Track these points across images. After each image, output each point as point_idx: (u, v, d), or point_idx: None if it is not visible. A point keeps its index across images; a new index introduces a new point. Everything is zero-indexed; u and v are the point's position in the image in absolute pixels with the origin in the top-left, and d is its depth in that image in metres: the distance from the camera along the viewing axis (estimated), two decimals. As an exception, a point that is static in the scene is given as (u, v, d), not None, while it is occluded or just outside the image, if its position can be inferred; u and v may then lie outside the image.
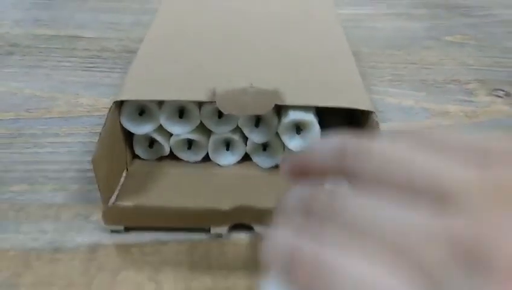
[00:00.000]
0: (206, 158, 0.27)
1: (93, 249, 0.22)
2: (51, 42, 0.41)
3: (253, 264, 0.22)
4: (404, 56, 0.40)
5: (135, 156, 0.27)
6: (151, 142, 0.27)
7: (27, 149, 0.28)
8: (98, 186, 0.22)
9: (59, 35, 0.42)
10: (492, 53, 0.42)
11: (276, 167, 0.27)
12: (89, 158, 0.28)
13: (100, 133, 0.23)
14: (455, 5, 0.50)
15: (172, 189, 0.25)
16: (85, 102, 0.33)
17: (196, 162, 0.27)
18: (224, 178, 0.26)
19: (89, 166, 0.28)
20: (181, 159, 0.27)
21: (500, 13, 0.49)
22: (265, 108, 0.23)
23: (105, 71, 0.37)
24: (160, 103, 0.25)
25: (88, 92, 0.34)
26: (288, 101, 0.23)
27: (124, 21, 0.45)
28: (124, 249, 0.22)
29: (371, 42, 0.42)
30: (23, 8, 0.46)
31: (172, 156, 0.27)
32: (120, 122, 0.25)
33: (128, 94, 0.24)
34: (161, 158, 0.27)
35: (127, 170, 0.26)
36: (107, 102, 0.33)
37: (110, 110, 0.24)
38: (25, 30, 0.43)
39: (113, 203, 0.23)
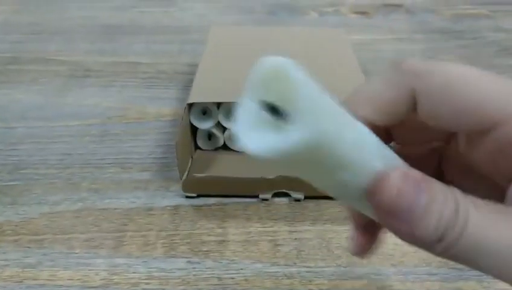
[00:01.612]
0: (251, 148, 0.35)
1: (176, 208, 0.31)
2: (117, 67, 0.51)
3: (290, 218, 0.30)
4: (404, 72, 0.49)
5: (197, 148, 0.36)
6: (210, 136, 0.36)
7: (114, 144, 0.38)
8: (177, 162, 0.31)
9: (122, 61, 0.52)
10: (480, 68, 0.50)
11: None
12: (162, 149, 0.37)
13: (178, 125, 0.32)
14: (449, 30, 0.59)
15: (228, 167, 0.33)
16: (151, 111, 0.42)
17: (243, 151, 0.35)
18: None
19: (163, 154, 0.37)
20: (232, 149, 0.36)
21: (489, 35, 0.58)
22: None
23: (163, 88, 0.46)
24: (219, 105, 0.34)
25: (152, 104, 0.44)
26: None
27: (172, 50, 0.55)
28: (197, 208, 0.31)
29: (376, 61, 0.51)
30: (90, 41, 0.57)
31: (225, 147, 0.36)
32: (189, 119, 0.34)
33: (195, 98, 0.33)
34: (216, 149, 0.36)
35: (192, 158, 0.35)
36: (169, 111, 0.42)
37: (184, 111, 0.33)
38: (94, 58, 0.53)
39: (187, 177, 0.32)
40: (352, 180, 0.13)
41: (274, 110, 0.12)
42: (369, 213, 0.15)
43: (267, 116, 0.12)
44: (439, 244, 0.12)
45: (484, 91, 0.13)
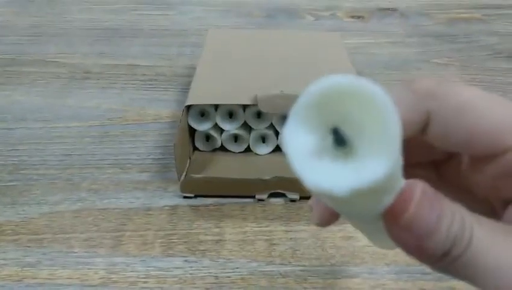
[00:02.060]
0: (247, 149, 0.36)
1: (174, 208, 0.32)
2: (116, 69, 0.51)
3: (285, 218, 0.31)
4: (399, 75, 0.49)
5: (195, 149, 0.36)
6: (208, 137, 0.36)
7: (114, 145, 0.38)
8: (176, 163, 0.32)
9: (121, 64, 0.53)
10: (473, 71, 0.51)
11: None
12: (161, 151, 0.38)
13: (177, 127, 0.32)
14: (442, 34, 0.60)
15: (226, 168, 0.34)
16: (151, 112, 0.43)
17: (240, 152, 0.36)
18: (262, 162, 0.35)
19: (162, 155, 0.37)
20: (229, 150, 0.36)
21: (482, 39, 0.59)
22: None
23: (162, 90, 0.47)
24: (216, 107, 0.35)
25: (152, 105, 0.44)
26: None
27: (171, 52, 0.56)
28: (194, 208, 0.32)
29: (371, 65, 0.51)
30: (88, 44, 0.58)
31: (222, 148, 0.36)
32: (187, 121, 0.35)
33: (194, 100, 0.34)
34: (214, 150, 0.36)
35: (190, 158, 0.36)
36: (167, 113, 0.43)
37: (182, 113, 0.33)
38: (94, 61, 0.54)
39: (185, 177, 0.32)
40: (386, 202, 0.12)
41: (338, 137, 0.11)
42: (372, 228, 0.15)
43: (326, 142, 0.11)
44: (444, 260, 0.13)
45: (497, 116, 0.13)
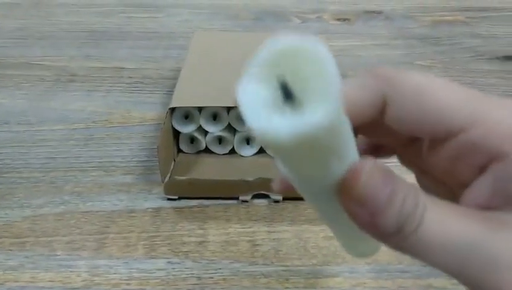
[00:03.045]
0: (232, 151, 0.36)
1: (157, 210, 0.32)
2: (102, 72, 0.51)
3: (268, 219, 0.31)
4: (383, 77, 0.50)
5: (179, 151, 0.37)
6: (192, 140, 0.36)
7: (98, 148, 0.38)
8: (159, 165, 0.32)
9: (107, 67, 0.53)
10: (455, 73, 0.52)
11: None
12: (145, 153, 0.38)
13: (161, 129, 0.32)
14: (427, 36, 0.61)
15: (210, 170, 0.34)
16: (136, 115, 0.43)
17: (224, 154, 0.36)
18: (246, 163, 0.35)
19: (146, 158, 0.37)
20: (213, 152, 0.36)
21: (465, 42, 0.59)
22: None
23: (148, 93, 0.47)
24: (200, 109, 0.35)
25: (137, 108, 0.44)
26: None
27: (157, 55, 0.56)
28: (178, 210, 0.32)
29: (357, 67, 0.52)
30: (75, 47, 0.57)
31: (206, 150, 0.36)
32: (171, 123, 0.35)
33: (178, 103, 0.34)
34: (199, 152, 0.37)
35: (174, 161, 0.36)
36: (153, 115, 0.43)
37: (166, 116, 0.34)
38: (80, 63, 0.53)
39: (169, 179, 0.33)
40: (336, 170, 0.13)
41: (285, 91, 0.11)
42: (329, 206, 0.15)
43: (276, 96, 0.12)
44: (396, 236, 0.13)
45: (450, 99, 0.14)
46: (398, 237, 0.13)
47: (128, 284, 0.27)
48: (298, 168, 0.14)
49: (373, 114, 0.15)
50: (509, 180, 0.13)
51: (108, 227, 0.30)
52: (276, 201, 0.33)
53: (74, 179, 0.35)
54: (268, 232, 0.30)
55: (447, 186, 0.16)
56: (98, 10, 0.67)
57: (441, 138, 0.14)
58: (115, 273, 0.27)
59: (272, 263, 0.28)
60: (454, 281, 0.28)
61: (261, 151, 0.36)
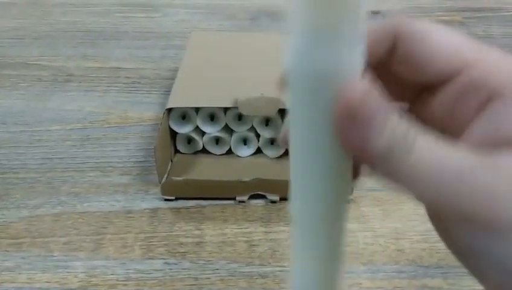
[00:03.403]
0: (229, 151, 0.36)
1: (154, 211, 0.32)
2: (99, 72, 0.51)
3: (265, 220, 0.31)
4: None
5: (176, 152, 0.37)
6: (189, 140, 0.36)
7: (95, 148, 0.38)
8: (156, 166, 0.32)
9: (104, 67, 0.53)
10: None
11: (281, 156, 0.36)
12: (143, 153, 0.38)
13: (158, 130, 0.32)
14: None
15: (207, 170, 0.34)
16: (133, 115, 0.43)
17: (222, 155, 0.36)
18: (243, 164, 0.35)
19: (143, 158, 0.37)
20: (210, 153, 0.36)
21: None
22: (272, 111, 0.33)
23: (145, 93, 0.47)
24: (197, 110, 0.35)
25: (134, 108, 0.44)
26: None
27: (154, 55, 0.56)
28: (175, 210, 0.32)
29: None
30: (72, 46, 0.57)
31: (204, 151, 0.36)
32: (169, 124, 0.35)
33: (175, 104, 0.34)
34: (196, 152, 0.37)
35: (172, 161, 0.36)
36: (150, 115, 0.43)
37: (163, 116, 0.34)
38: (77, 63, 0.53)
39: (166, 180, 0.33)
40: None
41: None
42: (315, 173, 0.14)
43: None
44: (386, 160, 0.13)
45: (453, 41, 0.15)
46: (388, 161, 0.13)
47: (125, 285, 0.27)
48: (312, 108, 0.13)
49: (382, 53, 0.15)
50: (502, 120, 0.14)
51: (105, 228, 0.30)
52: (273, 201, 0.33)
53: (71, 179, 0.35)
54: (265, 232, 0.30)
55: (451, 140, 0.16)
56: (95, 10, 0.67)
57: (443, 79, 0.15)
58: (112, 274, 0.27)
59: (269, 263, 0.28)
60: (450, 281, 0.28)
61: (258, 151, 0.36)
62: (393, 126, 0.13)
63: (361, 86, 0.13)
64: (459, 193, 0.12)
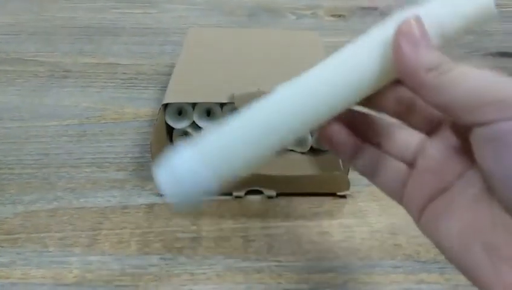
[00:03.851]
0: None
1: (150, 206, 0.32)
2: (96, 68, 0.51)
3: (262, 215, 0.31)
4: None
5: (173, 147, 0.36)
6: (186, 135, 0.36)
7: (91, 144, 0.38)
8: (152, 161, 0.32)
9: (101, 63, 0.52)
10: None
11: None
12: (139, 149, 0.38)
13: (153, 125, 0.32)
14: (422, 33, 0.61)
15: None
16: (130, 111, 0.43)
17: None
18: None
19: (139, 154, 0.37)
20: (207, 148, 0.36)
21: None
22: (269, 106, 0.33)
23: (142, 89, 0.47)
24: (194, 105, 0.35)
25: (131, 104, 0.44)
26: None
27: (152, 51, 0.55)
28: (172, 206, 0.32)
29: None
30: (69, 42, 0.57)
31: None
32: (165, 119, 0.35)
33: (171, 99, 0.34)
34: (192, 148, 0.36)
35: (168, 156, 0.36)
36: (146, 111, 0.43)
37: (159, 112, 0.33)
38: (73, 59, 0.53)
39: (162, 176, 0.32)
40: None
41: None
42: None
43: None
44: (435, 70, 0.16)
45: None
46: (437, 71, 0.16)
47: (120, 280, 0.27)
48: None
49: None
50: None
51: (101, 223, 0.30)
52: (270, 197, 0.32)
53: (67, 175, 0.34)
54: (262, 227, 0.30)
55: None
56: (92, 6, 0.67)
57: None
58: (107, 270, 0.27)
59: (265, 258, 0.28)
60: (447, 276, 0.28)
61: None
62: (439, 53, 0.16)
63: (416, 18, 0.17)
64: (486, 102, 0.15)
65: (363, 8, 0.66)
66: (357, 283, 0.27)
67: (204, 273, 0.27)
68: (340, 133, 0.19)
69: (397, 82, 0.18)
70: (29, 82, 0.47)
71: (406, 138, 0.19)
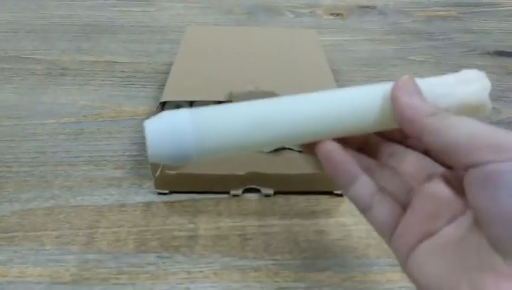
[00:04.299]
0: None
1: (148, 204, 0.32)
2: (94, 66, 0.51)
3: (259, 213, 0.31)
4: (375, 72, 0.50)
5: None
6: (183, 134, 0.36)
7: (89, 142, 0.38)
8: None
9: (99, 60, 0.52)
10: (447, 68, 0.52)
11: (274, 151, 0.36)
12: (136, 147, 0.38)
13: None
14: (420, 31, 0.61)
15: (200, 164, 0.34)
16: (128, 109, 0.43)
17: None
18: (238, 158, 0.35)
19: (137, 152, 0.37)
20: (205, 147, 0.36)
21: (457, 37, 0.60)
22: (267, 104, 0.33)
23: (140, 87, 0.47)
24: (191, 103, 0.35)
25: (129, 102, 0.44)
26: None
27: (150, 49, 0.55)
28: (169, 204, 0.32)
29: (349, 62, 0.52)
30: (67, 40, 0.57)
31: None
32: (162, 118, 0.34)
33: (169, 97, 0.34)
34: (190, 146, 0.36)
35: (165, 155, 0.36)
36: (144, 109, 0.43)
37: (157, 110, 0.33)
38: (71, 57, 0.53)
39: (159, 174, 0.32)
40: None
41: None
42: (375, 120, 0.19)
43: None
44: (433, 116, 0.17)
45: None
46: (436, 117, 0.17)
47: (117, 278, 0.27)
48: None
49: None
50: None
51: (98, 221, 0.30)
52: (267, 195, 0.33)
53: (64, 173, 0.34)
54: (259, 226, 0.30)
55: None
56: (90, 4, 0.66)
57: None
58: (104, 268, 0.27)
59: (262, 257, 0.28)
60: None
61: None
62: (435, 106, 0.18)
63: (407, 77, 0.19)
64: (477, 145, 0.16)
65: (362, 7, 0.66)
66: (354, 282, 0.27)
67: (201, 272, 0.27)
68: (341, 155, 0.19)
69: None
70: (26, 80, 0.47)
71: (405, 178, 0.20)
